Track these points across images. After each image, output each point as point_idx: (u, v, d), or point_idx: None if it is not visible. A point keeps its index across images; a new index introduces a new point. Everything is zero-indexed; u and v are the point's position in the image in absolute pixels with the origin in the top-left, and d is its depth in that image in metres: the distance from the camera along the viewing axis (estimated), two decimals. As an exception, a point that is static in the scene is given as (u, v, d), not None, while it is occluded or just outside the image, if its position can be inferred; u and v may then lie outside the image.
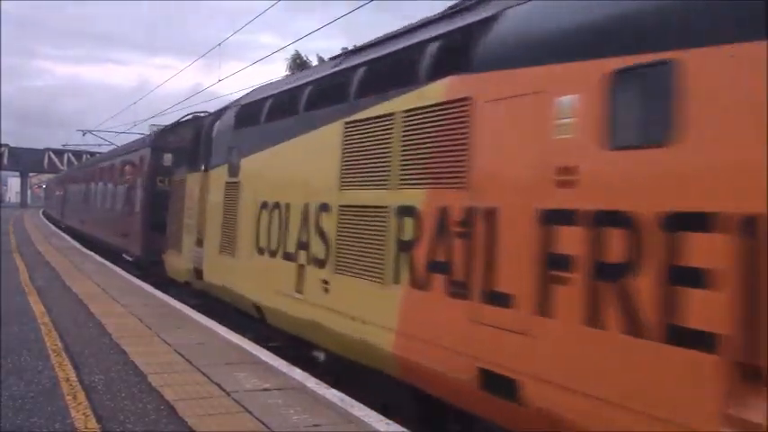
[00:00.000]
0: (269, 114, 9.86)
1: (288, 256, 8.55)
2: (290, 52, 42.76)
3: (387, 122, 6.67)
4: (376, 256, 6.64)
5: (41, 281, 14.73)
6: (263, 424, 5.59)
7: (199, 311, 11.21)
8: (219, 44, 25.52)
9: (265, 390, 6.60)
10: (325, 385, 6.75)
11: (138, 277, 16.13)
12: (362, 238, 6.91)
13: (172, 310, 11.48)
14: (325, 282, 7.54)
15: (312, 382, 6.83)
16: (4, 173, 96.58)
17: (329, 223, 7.56)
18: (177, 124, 18.74)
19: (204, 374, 7.12)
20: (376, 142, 6.83)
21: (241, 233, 10.25)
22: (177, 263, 14.12)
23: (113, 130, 49.31)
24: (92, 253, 22.58)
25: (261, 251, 9.45)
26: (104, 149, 41.91)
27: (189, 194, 13.48)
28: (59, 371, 7.15)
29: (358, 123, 7.20)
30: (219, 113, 12.64)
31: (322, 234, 7.71)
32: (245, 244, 10.03)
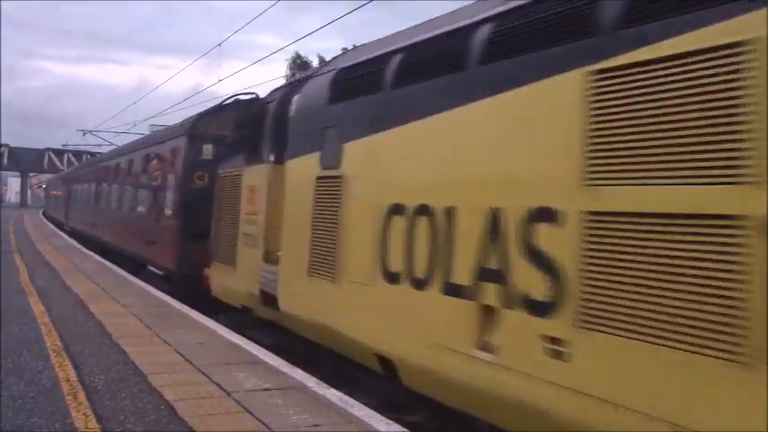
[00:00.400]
0: (402, 75, 6.88)
1: (454, 290, 5.76)
2: (290, 53, 42.89)
3: (726, 59, 3.87)
4: (714, 309, 3.84)
5: (41, 281, 14.73)
6: (263, 424, 5.59)
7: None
8: (219, 44, 25.45)
9: (265, 390, 6.59)
10: (326, 385, 6.76)
11: (140, 278, 16.14)
12: (663, 272, 4.16)
13: (172, 310, 11.48)
14: (556, 340, 4.80)
15: (312, 382, 6.83)
16: (4, 173, 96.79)
17: (561, 242, 4.83)
18: (220, 108, 15.48)
19: (204, 374, 7.12)
20: (692, 99, 4.07)
21: (349, 249, 7.45)
22: (230, 282, 11.15)
23: (113, 129, 49.38)
24: (91, 253, 22.58)
25: (391, 278, 6.62)
26: (104, 149, 41.90)
27: (248, 194, 10.64)
28: (59, 371, 7.15)
29: (629, 70, 4.45)
30: (297, 85, 9.77)
31: (541, 259, 4.97)
32: (360, 265, 7.20)
